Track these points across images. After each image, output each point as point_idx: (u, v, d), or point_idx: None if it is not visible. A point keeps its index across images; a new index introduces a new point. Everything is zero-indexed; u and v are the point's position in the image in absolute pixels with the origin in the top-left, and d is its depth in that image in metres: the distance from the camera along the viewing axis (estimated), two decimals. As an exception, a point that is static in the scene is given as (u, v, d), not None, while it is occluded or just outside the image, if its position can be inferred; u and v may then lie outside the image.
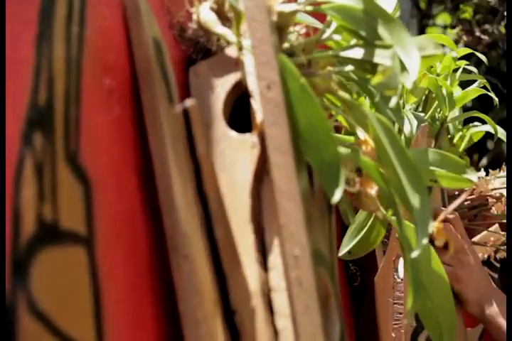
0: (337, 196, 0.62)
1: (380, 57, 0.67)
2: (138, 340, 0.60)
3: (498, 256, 1.21)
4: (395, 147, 0.68)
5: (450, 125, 1.11)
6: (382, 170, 0.69)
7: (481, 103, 1.80)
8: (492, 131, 1.13)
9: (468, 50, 1.07)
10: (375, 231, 0.85)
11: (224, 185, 0.65)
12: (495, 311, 1.07)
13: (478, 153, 1.64)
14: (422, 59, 0.70)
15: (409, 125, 0.98)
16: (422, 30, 1.54)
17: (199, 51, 0.72)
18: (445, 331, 0.78)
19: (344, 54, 0.70)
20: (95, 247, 0.56)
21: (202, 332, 0.60)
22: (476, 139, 1.17)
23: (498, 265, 1.22)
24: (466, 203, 1.15)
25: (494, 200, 1.11)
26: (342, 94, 0.70)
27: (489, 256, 1.20)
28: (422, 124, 0.96)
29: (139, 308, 0.60)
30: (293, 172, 0.62)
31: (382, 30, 0.68)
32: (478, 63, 1.85)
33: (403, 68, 0.66)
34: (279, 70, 0.64)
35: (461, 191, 1.14)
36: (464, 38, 1.38)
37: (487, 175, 1.12)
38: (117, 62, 0.63)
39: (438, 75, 1.01)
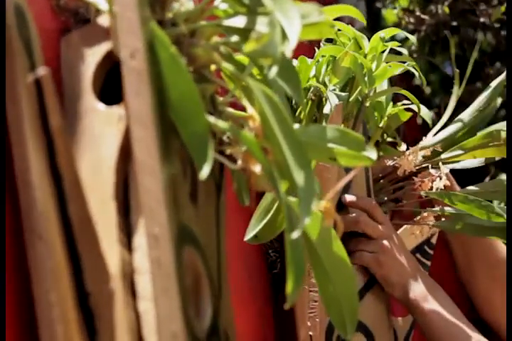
0: (205, 171, 0.58)
1: (262, 25, 0.63)
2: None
3: (432, 241, 1.17)
4: (280, 122, 0.65)
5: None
6: (267, 147, 0.65)
7: (445, 89, 1.75)
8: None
9: (397, 30, 1.03)
10: (281, 214, 0.81)
11: (89, 161, 0.61)
12: (420, 296, 1.02)
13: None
14: (305, 26, 0.66)
15: (329, 104, 0.94)
16: (373, 13, 1.50)
17: (79, 22, 0.68)
18: (347, 317, 0.74)
19: (227, 23, 0.66)
20: None
21: (55, 314, 0.56)
22: (404, 119, 1.12)
23: (431, 252, 1.17)
24: (388, 182, 1.10)
25: (420, 179, 1.06)
26: (226, 65, 0.66)
27: (422, 242, 1.15)
28: (336, 103, 0.92)
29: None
30: (155, 147, 0.58)
31: (265, -3, 0.64)
32: (444, 48, 1.81)
33: (285, 36, 0.62)
34: (147, 38, 0.60)
35: (387, 173, 1.10)
36: (406, 18, 1.34)
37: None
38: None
39: (365, 56, 0.97)
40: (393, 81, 1.74)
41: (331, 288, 0.74)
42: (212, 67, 0.71)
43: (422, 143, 1.09)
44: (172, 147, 0.61)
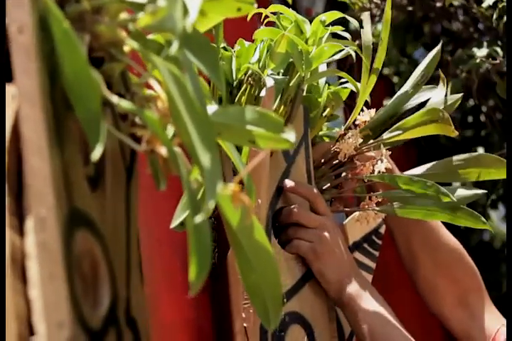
0: (97, 151, 0.56)
1: (164, -1, 0.61)
2: None
3: (380, 230, 1.13)
4: (187, 103, 0.62)
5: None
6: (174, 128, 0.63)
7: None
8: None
9: (339, 14, 1.00)
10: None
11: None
12: (353, 295, 0.99)
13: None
14: (216, 2, 0.64)
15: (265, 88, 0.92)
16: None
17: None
18: (271, 307, 0.72)
19: (131, -2, 0.63)
20: None
21: None
22: (344, 97, 1.10)
23: (379, 241, 1.13)
24: (329, 168, 1.07)
25: (361, 163, 1.03)
26: (132, 43, 0.64)
27: (370, 232, 1.12)
28: (268, 86, 0.90)
29: None
30: (42, 126, 0.55)
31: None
32: (416, 35, 1.78)
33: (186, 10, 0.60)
34: (38, 13, 0.57)
35: (327, 159, 1.07)
36: (358, 3, 1.31)
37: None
38: None
39: (307, 41, 0.94)
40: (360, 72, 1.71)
41: (254, 276, 0.72)
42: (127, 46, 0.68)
43: (359, 119, 1.07)
44: (66, 127, 0.59)
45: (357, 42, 1.33)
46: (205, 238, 0.60)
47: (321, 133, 1.11)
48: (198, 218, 0.59)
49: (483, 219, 1.00)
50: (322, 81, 1.08)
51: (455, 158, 1.05)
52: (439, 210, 0.99)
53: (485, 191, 1.04)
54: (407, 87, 1.09)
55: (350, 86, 1.07)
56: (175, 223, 0.80)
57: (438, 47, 1.09)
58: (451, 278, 1.16)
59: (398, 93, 1.09)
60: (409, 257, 1.17)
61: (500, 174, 1.03)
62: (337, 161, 1.05)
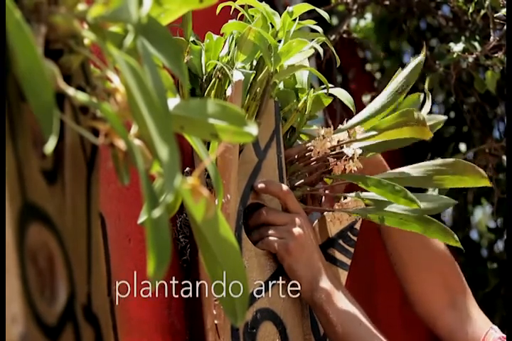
0: (50, 145, 0.55)
1: (120, -10, 0.60)
2: None
3: (356, 227, 1.12)
4: (144, 95, 0.61)
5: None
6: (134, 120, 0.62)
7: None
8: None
9: (308, 7, 0.99)
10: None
11: None
12: (326, 294, 0.98)
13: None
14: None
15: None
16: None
17: None
18: (238, 303, 0.71)
19: (87, -10, 0.62)
20: None
21: None
22: (326, 103, 1.08)
23: (354, 238, 1.12)
24: (301, 164, 1.06)
25: (334, 160, 1.02)
26: (87, 34, 0.63)
27: (345, 228, 1.11)
28: (235, 80, 0.88)
29: None
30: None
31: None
32: (399, 33, 1.78)
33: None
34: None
35: (301, 156, 1.06)
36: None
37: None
38: None
39: (277, 34, 0.93)
40: (343, 68, 1.71)
41: (220, 272, 0.71)
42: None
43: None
44: (20, 120, 0.58)
45: (333, 36, 1.32)
46: (164, 232, 0.59)
47: (299, 130, 1.10)
48: (156, 212, 0.58)
49: (456, 236, 1.00)
50: (305, 81, 1.06)
51: (431, 163, 1.04)
52: (412, 220, 0.99)
53: (455, 201, 1.04)
54: (386, 94, 1.07)
55: (333, 91, 1.06)
56: (142, 219, 0.78)
57: (420, 58, 1.06)
58: (441, 281, 1.15)
59: (377, 99, 1.07)
60: (399, 260, 1.16)
61: (474, 182, 1.03)
62: (311, 158, 1.04)
